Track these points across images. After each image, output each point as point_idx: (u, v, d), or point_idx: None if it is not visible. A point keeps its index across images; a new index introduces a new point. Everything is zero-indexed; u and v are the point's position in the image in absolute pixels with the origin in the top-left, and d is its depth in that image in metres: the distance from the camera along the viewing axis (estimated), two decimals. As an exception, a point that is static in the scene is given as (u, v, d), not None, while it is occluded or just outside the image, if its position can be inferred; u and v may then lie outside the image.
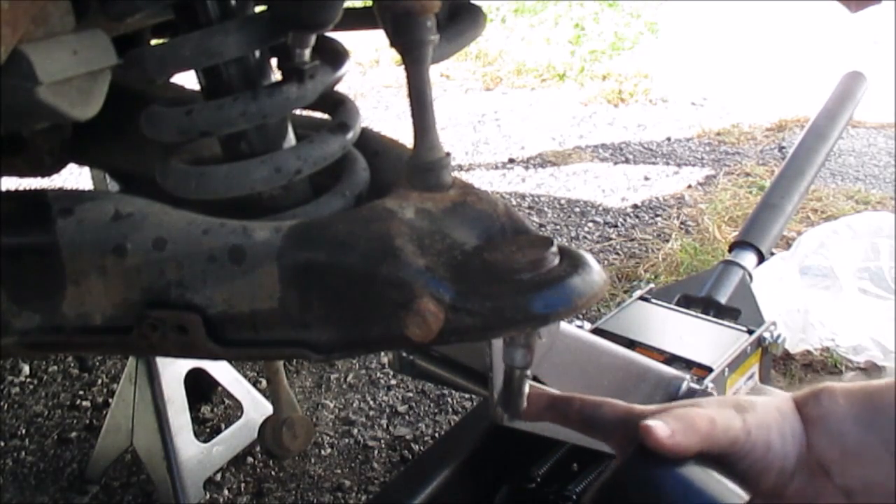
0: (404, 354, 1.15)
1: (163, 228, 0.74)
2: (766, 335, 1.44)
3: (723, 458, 0.65)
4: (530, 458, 1.22)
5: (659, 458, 0.63)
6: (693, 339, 1.41)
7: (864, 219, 2.19)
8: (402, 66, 0.72)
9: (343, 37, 0.93)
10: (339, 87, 0.91)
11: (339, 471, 1.73)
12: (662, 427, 0.63)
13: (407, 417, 1.87)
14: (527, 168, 3.27)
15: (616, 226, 2.73)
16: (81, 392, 2.01)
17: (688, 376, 1.30)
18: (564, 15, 5.37)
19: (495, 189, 3.04)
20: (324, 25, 0.78)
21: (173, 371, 1.62)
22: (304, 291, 0.72)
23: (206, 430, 1.82)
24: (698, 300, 1.60)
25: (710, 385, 1.30)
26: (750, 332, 1.43)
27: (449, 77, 4.39)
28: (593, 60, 4.54)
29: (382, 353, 1.90)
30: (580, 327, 1.37)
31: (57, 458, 1.79)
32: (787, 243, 2.31)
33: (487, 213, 0.73)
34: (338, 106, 0.88)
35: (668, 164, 3.23)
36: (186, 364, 1.65)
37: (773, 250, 1.98)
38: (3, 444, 1.84)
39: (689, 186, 3.01)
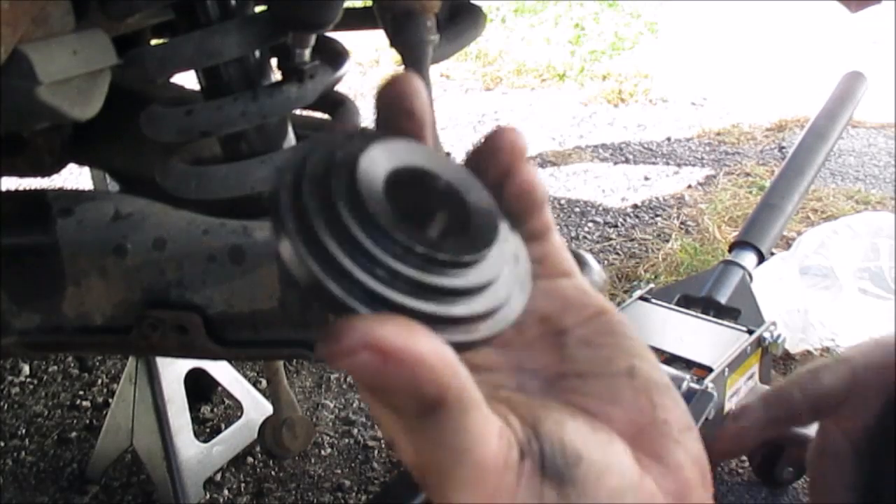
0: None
1: (163, 228, 0.74)
2: (766, 335, 1.44)
3: None
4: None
5: None
6: (693, 339, 1.41)
7: (864, 219, 2.18)
8: (402, 66, 0.72)
9: (343, 37, 0.93)
10: (340, 87, 0.91)
11: (339, 471, 1.73)
12: None
13: (407, 417, 1.87)
14: (527, 168, 3.26)
15: (616, 226, 2.73)
16: (81, 392, 2.01)
17: (688, 376, 1.31)
18: (564, 15, 5.37)
19: (495, 189, 3.03)
20: (324, 25, 0.78)
21: (173, 371, 1.61)
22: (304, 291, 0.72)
23: (206, 430, 1.82)
24: (698, 300, 1.60)
25: (710, 385, 1.30)
26: (750, 332, 1.44)
27: (449, 77, 4.38)
28: (593, 60, 4.54)
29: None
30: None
31: (57, 458, 1.79)
32: (787, 243, 2.31)
33: (487, 213, 0.73)
34: (338, 106, 0.88)
35: (668, 164, 3.23)
36: (186, 364, 1.65)
37: (773, 250, 1.98)
38: (3, 444, 1.84)
39: (689, 186, 3.01)
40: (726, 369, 1.35)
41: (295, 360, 2.00)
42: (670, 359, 1.36)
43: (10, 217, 0.77)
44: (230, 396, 1.84)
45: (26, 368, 2.08)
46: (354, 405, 1.92)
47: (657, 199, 2.92)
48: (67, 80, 0.70)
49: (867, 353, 0.61)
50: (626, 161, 3.28)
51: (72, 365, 2.10)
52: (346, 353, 0.26)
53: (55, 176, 1.15)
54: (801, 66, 4.00)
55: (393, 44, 0.73)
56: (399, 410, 0.28)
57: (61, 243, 0.74)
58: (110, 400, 1.76)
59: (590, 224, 2.76)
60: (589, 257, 0.68)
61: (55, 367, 2.09)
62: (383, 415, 0.30)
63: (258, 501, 1.66)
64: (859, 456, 0.59)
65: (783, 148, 3.25)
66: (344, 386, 1.99)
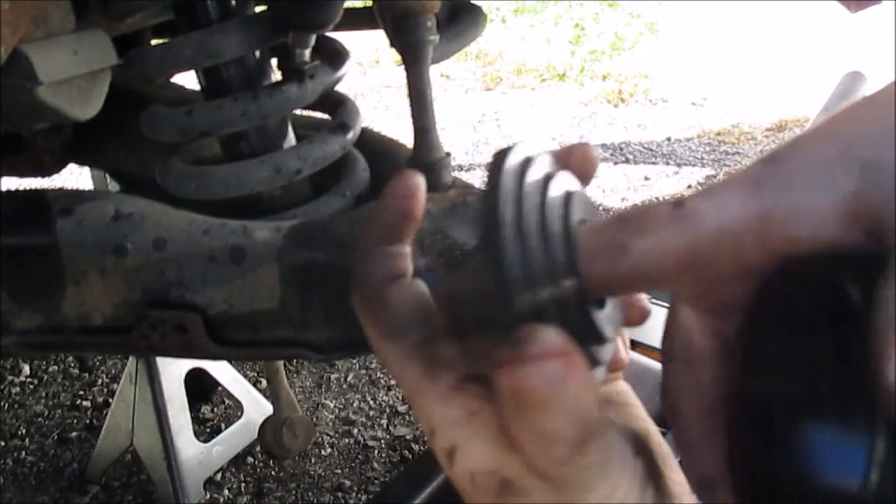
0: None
1: (163, 228, 0.74)
2: (766, 335, 1.44)
3: None
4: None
5: None
6: (693, 339, 1.41)
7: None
8: (402, 66, 0.72)
9: (343, 37, 0.94)
10: (340, 88, 0.91)
11: (339, 471, 1.73)
12: None
13: (407, 417, 1.87)
14: (527, 168, 3.27)
15: (616, 226, 2.73)
16: (81, 392, 2.01)
17: (688, 376, 1.30)
18: (564, 15, 5.37)
19: (495, 189, 3.02)
20: (324, 25, 0.78)
21: (173, 371, 1.62)
22: (304, 291, 0.72)
23: (206, 430, 1.82)
24: (698, 300, 1.61)
25: (710, 385, 1.30)
26: (750, 332, 1.43)
27: (449, 77, 4.38)
28: (593, 60, 4.54)
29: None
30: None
31: (57, 458, 1.79)
32: (787, 243, 2.31)
33: (487, 213, 0.73)
34: (338, 106, 0.88)
35: (668, 164, 3.23)
36: (186, 364, 1.65)
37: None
38: (3, 444, 1.84)
39: (689, 186, 3.01)
40: (726, 369, 1.35)
41: (295, 360, 2.00)
42: (670, 359, 1.36)
43: (10, 217, 0.77)
44: (230, 396, 1.84)
45: (26, 368, 2.08)
46: (354, 405, 1.92)
47: (657, 199, 2.92)
48: (68, 80, 0.70)
49: (723, 204, 0.28)
50: (626, 161, 3.28)
51: (72, 365, 2.10)
52: (535, 359, 0.25)
53: (55, 176, 1.15)
54: (801, 66, 4.00)
55: (393, 44, 0.73)
56: (552, 438, 0.27)
57: (61, 243, 0.74)
58: (110, 400, 1.76)
59: (590, 224, 2.75)
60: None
61: (55, 367, 2.09)
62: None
63: (258, 501, 1.67)
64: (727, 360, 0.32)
65: (783, 148, 3.25)
66: (344, 386, 1.99)
